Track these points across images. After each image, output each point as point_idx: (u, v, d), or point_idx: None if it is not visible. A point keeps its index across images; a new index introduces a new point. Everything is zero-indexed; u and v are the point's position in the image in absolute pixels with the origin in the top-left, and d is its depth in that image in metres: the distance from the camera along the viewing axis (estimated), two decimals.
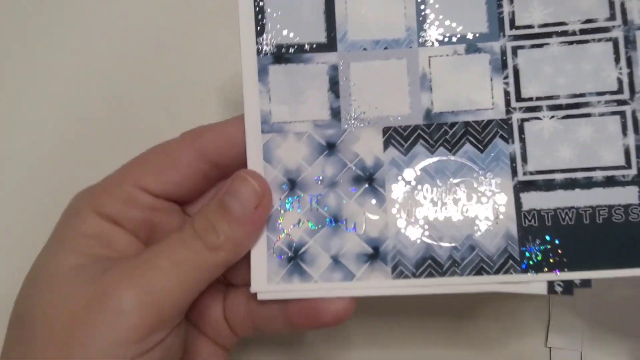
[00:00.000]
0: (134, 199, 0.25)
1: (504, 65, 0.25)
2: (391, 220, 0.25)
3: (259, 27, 0.26)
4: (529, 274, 0.24)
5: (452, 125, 0.25)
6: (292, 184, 0.26)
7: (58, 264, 0.23)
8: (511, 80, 0.25)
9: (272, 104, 0.26)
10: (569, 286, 0.24)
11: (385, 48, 0.26)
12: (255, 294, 0.25)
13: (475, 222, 0.25)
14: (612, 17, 0.25)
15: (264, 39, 0.26)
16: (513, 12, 0.25)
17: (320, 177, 0.26)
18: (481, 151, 0.25)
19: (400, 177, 0.25)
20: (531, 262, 0.24)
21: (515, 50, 0.25)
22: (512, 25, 0.25)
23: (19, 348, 0.22)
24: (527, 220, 0.25)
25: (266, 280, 0.25)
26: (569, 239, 0.24)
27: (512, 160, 0.25)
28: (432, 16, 0.26)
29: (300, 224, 0.25)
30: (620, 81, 0.25)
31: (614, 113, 0.25)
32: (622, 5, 0.25)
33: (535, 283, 0.24)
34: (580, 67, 0.25)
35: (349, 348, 0.33)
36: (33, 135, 0.34)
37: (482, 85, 0.25)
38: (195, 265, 0.23)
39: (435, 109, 0.25)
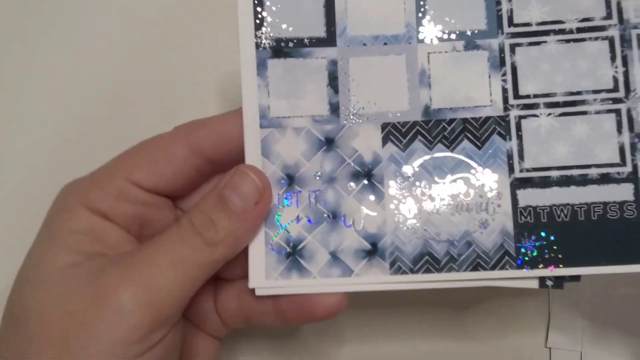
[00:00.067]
0: (126, 193, 0.24)
1: (502, 63, 0.25)
2: (389, 217, 0.25)
3: (257, 21, 0.25)
4: (524, 269, 0.25)
5: (451, 121, 0.25)
6: (291, 180, 0.25)
7: (50, 262, 0.23)
8: (509, 77, 0.25)
9: (271, 99, 0.25)
10: (559, 280, 0.25)
11: (385, 44, 0.26)
12: (253, 290, 0.25)
13: (472, 219, 0.25)
14: (609, 16, 0.25)
15: (263, 32, 0.25)
16: (511, 10, 0.26)
17: (319, 173, 0.25)
18: (479, 148, 0.25)
19: (398, 173, 0.25)
20: (527, 258, 0.25)
21: (513, 47, 0.25)
22: (511, 23, 0.26)
23: (13, 347, 0.22)
24: (523, 217, 0.25)
25: (264, 276, 0.25)
26: (564, 236, 0.25)
27: (509, 157, 0.25)
28: (431, 12, 0.26)
29: (299, 219, 0.25)
30: (616, 79, 0.25)
31: (609, 111, 0.25)
32: (618, 4, 0.25)
33: (528, 278, 0.25)
34: (577, 65, 0.25)
35: (342, 342, 0.33)
36: (33, 135, 0.34)
37: (480, 82, 0.25)
38: (194, 262, 0.23)
39: (433, 105, 0.25)
